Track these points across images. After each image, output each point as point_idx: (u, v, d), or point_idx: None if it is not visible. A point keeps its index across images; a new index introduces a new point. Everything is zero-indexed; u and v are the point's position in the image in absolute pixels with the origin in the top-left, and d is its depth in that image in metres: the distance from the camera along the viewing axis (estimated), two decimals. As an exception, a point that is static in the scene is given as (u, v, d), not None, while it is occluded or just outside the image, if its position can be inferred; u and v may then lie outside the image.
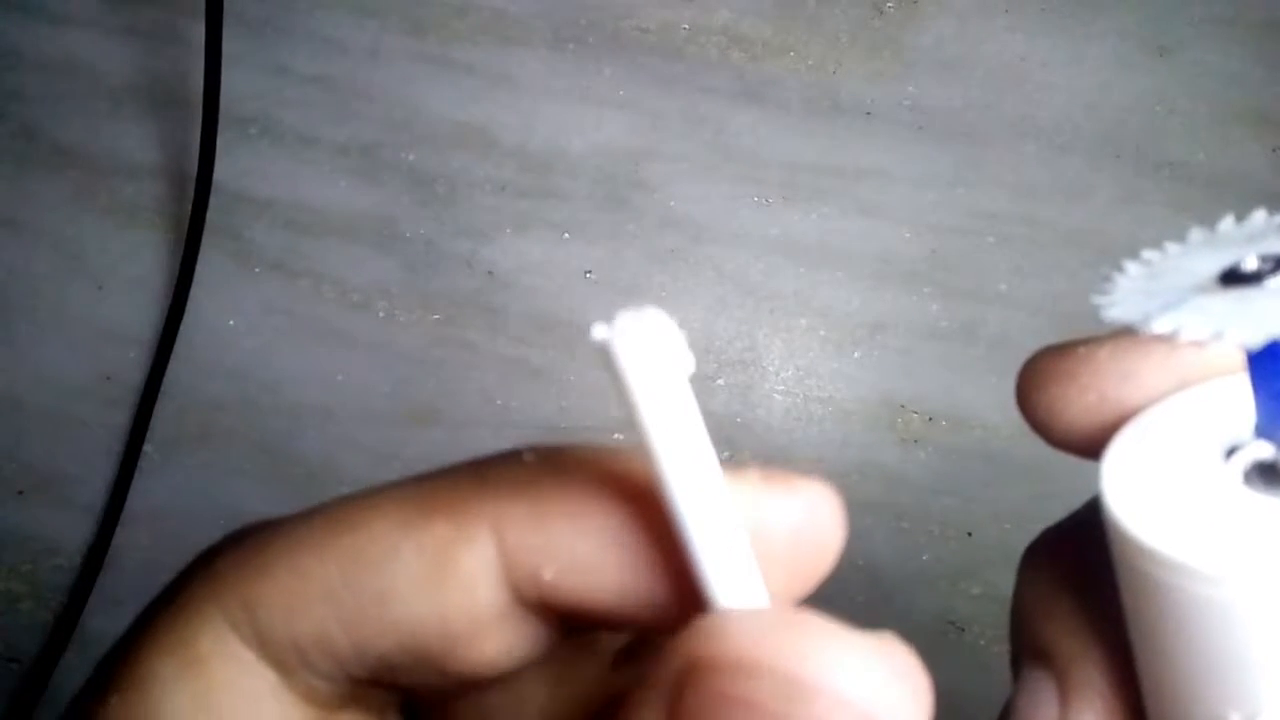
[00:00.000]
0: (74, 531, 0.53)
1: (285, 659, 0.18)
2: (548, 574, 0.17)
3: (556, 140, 0.56)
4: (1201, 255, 0.19)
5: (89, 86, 0.57)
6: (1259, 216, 0.19)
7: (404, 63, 0.57)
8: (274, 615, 0.17)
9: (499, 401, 0.54)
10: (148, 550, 0.53)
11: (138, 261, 0.55)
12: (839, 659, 0.15)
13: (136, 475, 0.53)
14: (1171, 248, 0.20)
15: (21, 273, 0.56)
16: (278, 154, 0.56)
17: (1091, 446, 0.20)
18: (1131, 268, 0.19)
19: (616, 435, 0.52)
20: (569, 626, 0.18)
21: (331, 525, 0.18)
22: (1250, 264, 0.18)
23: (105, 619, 0.52)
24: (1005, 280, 0.55)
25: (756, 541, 0.17)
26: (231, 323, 0.55)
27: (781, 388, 0.54)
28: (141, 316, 0.55)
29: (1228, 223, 0.20)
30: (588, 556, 0.17)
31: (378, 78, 0.57)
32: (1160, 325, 0.17)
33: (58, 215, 0.56)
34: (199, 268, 0.54)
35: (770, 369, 0.54)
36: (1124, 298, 0.18)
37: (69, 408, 0.54)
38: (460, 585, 0.17)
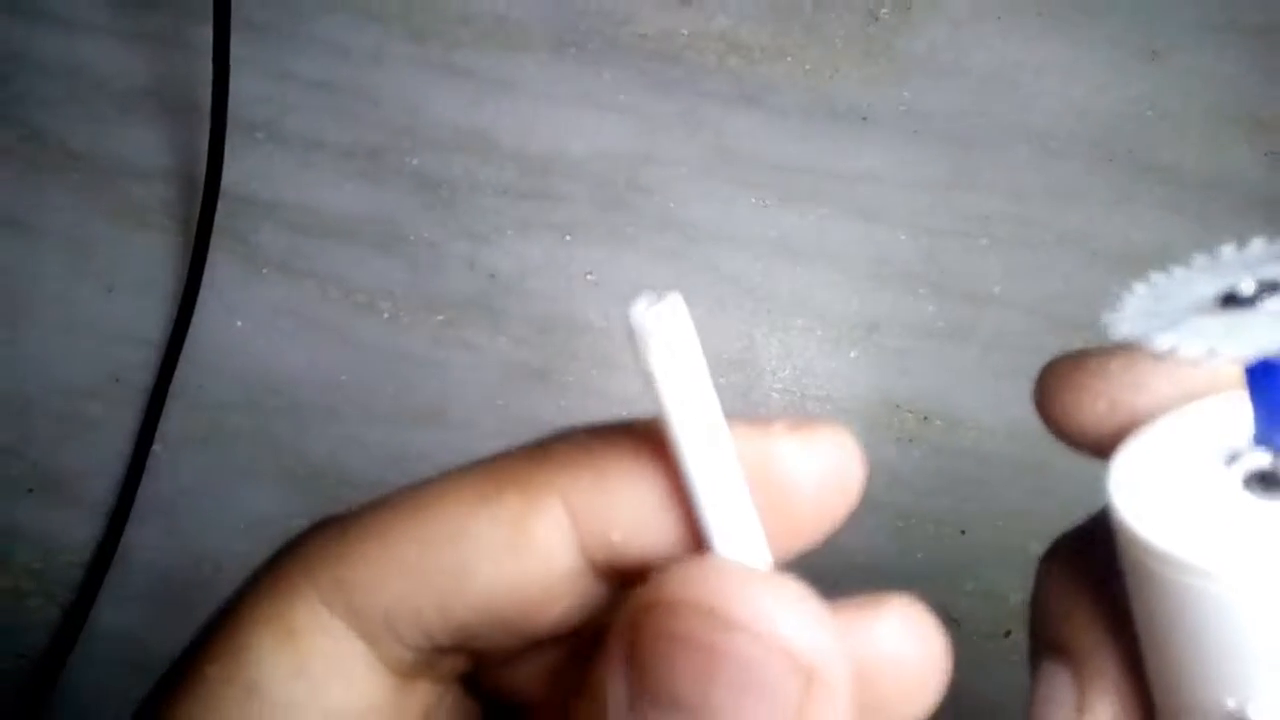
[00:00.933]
0: (83, 530, 0.53)
1: (374, 630, 0.19)
2: (616, 535, 0.19)
3: (557, 144, 0.56)
4: (1203, 279, 0.20)
5: (97, 90, 0.57)
6: (1257, 244, 0.21)
7: (407, 68, 0.57)
8: (365, 591, 0.19)
9: (501, 402, 0.54)
10: (156, 549, 0.53)
11: (146, 264, 0.56)
12: (762, 598, 0.17)
13: (145, 474, 0.53)
14: (1176, 271, 0.21)
15: (31, 274, 0.56)
16: (284, 158, 0.56)
17: (1102, 448, 0.22)
18: (1139, 288, 0.20)
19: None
20: (628, 582, 0.19)
21: (409, 508, 0.19)
22: (1247, 288, 0.19)
23: (114, 616, 0.52)
24: (999, 282, 0.55)
25: (785, 485, 0.19)
26: (239, 324, 0.55)
27: (779, 387, 0.54)
28: (150, 318, 0.55)
29: (1229, 249, 0.21)
30: (651, 516, 0.19)
31: (382, 83, 0.57)
32: (1161, 342, 0.18)
33: (67, 218, 0.56)
34: (208, 271, 0.55)
35: (768, 369, 0.54)
36: (1131, 316, 0.19)
37: (78, 408, 0.54)
38: (534, 553, 0.19)
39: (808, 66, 0.57)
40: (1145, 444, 0.21)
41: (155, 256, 0.56)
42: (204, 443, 0.54)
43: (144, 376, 0.54)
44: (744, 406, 0.54)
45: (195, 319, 0.54)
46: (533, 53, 0.57)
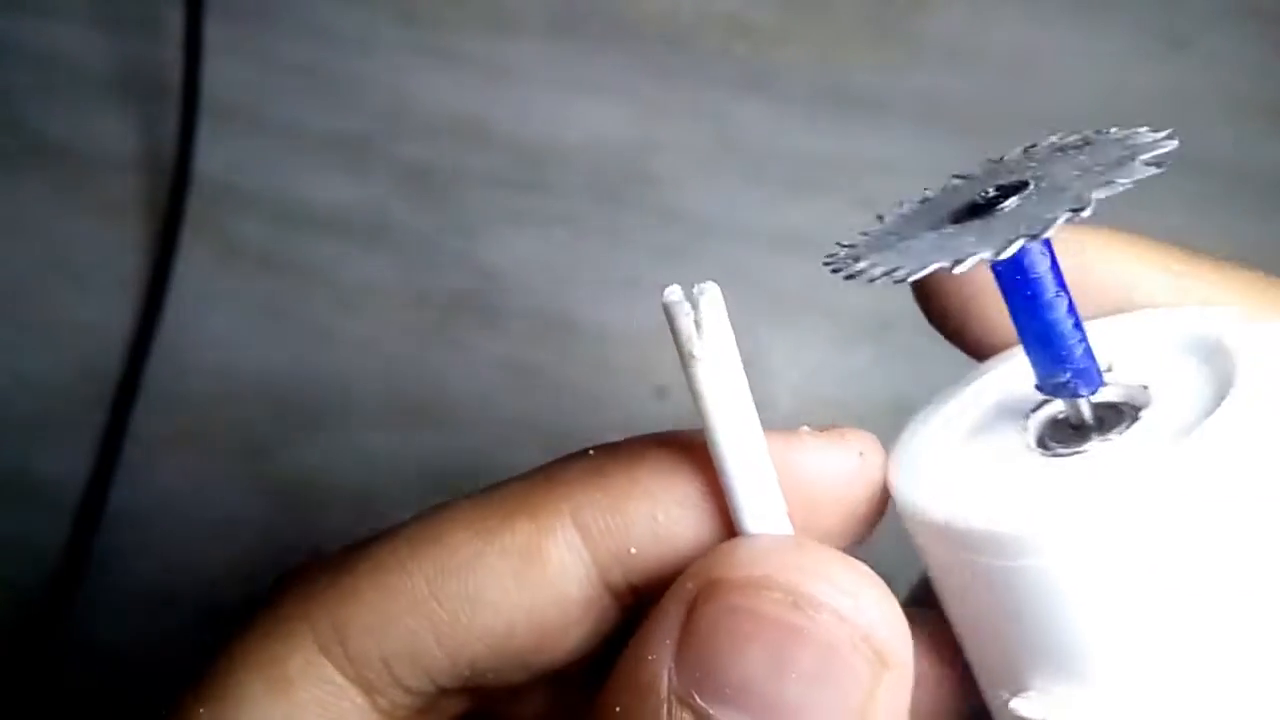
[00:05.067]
0: (55, 537, 0.52)
1: (375, 678, 0.19)
2: (634, 549, 0.19)
3: (553, 132, 0.55)
4: (954, 197, 0.19)
5: (73, 79, 0.57)
6: (1013, 152, 0.20)
7: (395, 52, 0.56)
8: (366, 635, 0.19)
9: (495, 403, 0.53)
10: (132, 556, 0.52)
11: (122, 258, 0.55)
12: (841, 578, 0.17)
13: (121, 478, 0.52)
14: (929, 194, 0.20)
15: (1, 269, 0.55)
16: (264, 146, 0.56)
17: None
18: (888, 217, 0.20)
19: (614, 438, 0.51)
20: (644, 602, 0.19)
21: (412, 542, 0.19)
22: (984, 194, 0.18)
23: (89, 626, 0.51)
24: (1019, 277, 0.54)
25: (812, 487, 0.19)
26: (218, 321, 0.54)
27: (787, 389, 0.53)
28: (124, 315, 0.54)
29: (985, 163, 0.20)
30: (666, 525, 0.19)
31: (368, 67, 0.56)
32: (864, 267, 0.18)
33: (40, 210, 0.55)
34: (184, 265, 0.54)
35: (775, 369, 0.53)
36: (861, 248, 0.19)
37: (49, 408, 0.54)
38: (549, 579, 0.19)
39: (818, 51, 0.56)
40: (930, 420, 0.21)
41: (131, 250, 0.55)
42: (181, 445, 0.53)
43: (118, 375, 0.53)
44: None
45: (173, 316, 0.54)
46: (528, 36, 0.56)
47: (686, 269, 0.54)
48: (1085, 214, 0.16)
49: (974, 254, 0.16)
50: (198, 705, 0.19)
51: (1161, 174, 0.17)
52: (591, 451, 0.20)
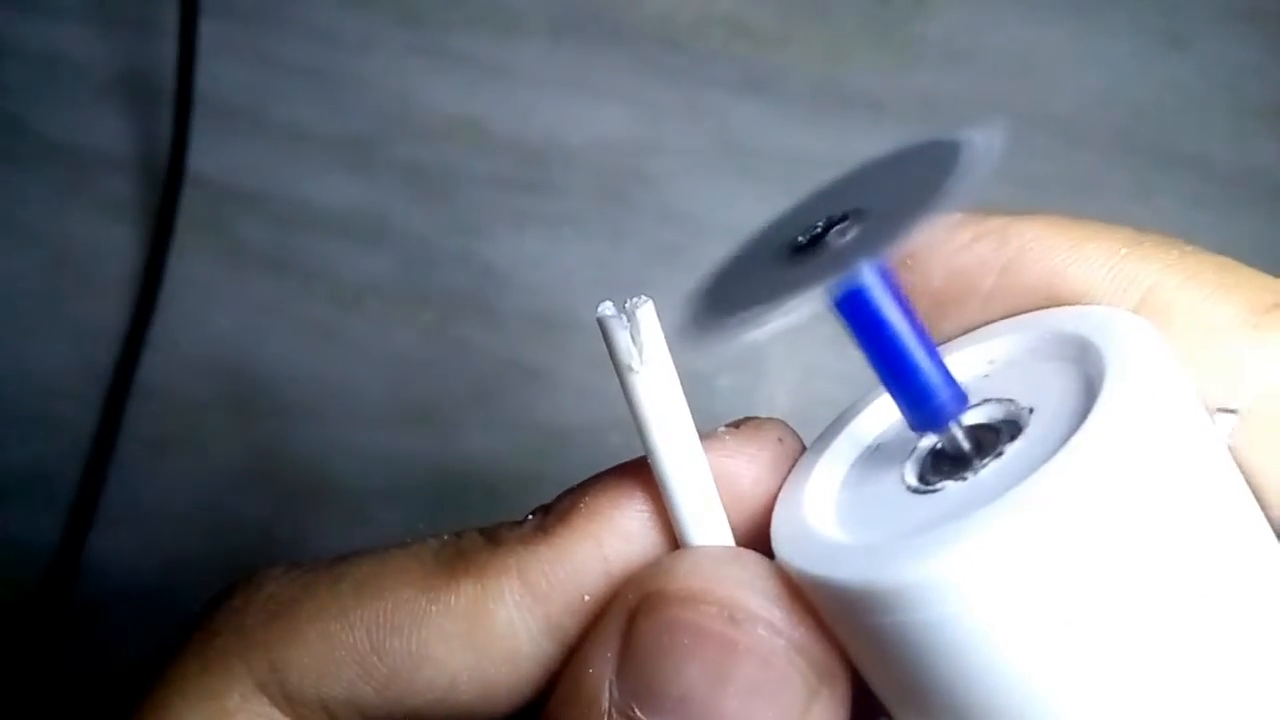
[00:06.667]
0: (54, 534, 0.52)
1: (312, 716, 0.19)
2: (588, 595, 0.18)
3: (554, 133, 0.55)
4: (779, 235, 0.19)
5: (74, 79, 0.56)
6: (842, 173, 0.19)
7: (397, 53, 0.56)
8: (303, 678, 0.18)
9: (495, 402, 0.53)
10: (126, 554, 0.52)
11: (124, 257, 0.55)
12: (775, 591, 0.17)
13: (120, 477, 0.52)
14: (753, 239, 0.20)
15: (5, 269, 0.55)
16: (267, 147, 0.55)
17: None
18: (729, 256, 0.20)
19: (612, 436, 0.51)
20: None
21: (357, 590, 0.19)
22: (804, 234, 0.17)
23: (84, 623, 0.51)
24: (1016, 278, 0.54)
25: (742, 483, 0.19)
26: (219, 320, 0.54)
27: (785, 389, 0.53)
28: (123, 312, 0.54)
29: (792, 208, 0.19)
30: (618, 562, 0.19)
31: (370, 69, 0.56)
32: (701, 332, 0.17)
33: (42, 209, 0.55)
34: (185, 264, 0.54)
35: (773, 370, 0.53)
36: (704, 296, 0.18)
37: (51, 407, 0.53)
38: (496, 640, 0.18)
39: (817, 52, 0.56)
40: (820, 455, 0.20)
41: (132, 250, 0.55)
42: (182, 444, 0.53)
43: (112, 373, 0.53)
44: (747, 410, 0.52)
45: (173, 315, 0.53)
46: (529, 37, 0.56)
47: (686, 268, 0.54)
48: (906, 242, 0.15)
49: (786, 305, 0.15)
50: None
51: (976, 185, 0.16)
52: (530, 516, 0.20)
